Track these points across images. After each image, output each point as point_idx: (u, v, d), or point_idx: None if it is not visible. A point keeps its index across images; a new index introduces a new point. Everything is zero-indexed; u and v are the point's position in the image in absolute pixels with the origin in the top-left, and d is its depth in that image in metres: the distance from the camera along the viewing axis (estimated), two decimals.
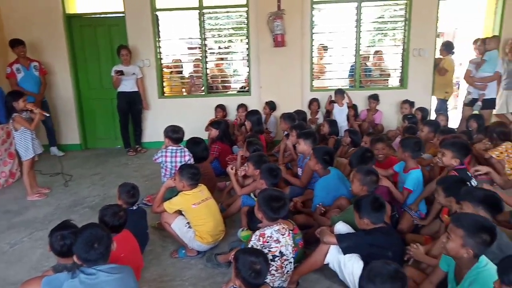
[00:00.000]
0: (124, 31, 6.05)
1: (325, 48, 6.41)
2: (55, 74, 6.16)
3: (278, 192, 2.39)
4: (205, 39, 6.17)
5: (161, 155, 3.62)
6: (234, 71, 7.04)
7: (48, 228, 3.44)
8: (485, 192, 2.27)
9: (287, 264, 2.23)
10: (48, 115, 4.28)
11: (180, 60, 6.66)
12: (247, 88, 6.37)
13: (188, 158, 3.64)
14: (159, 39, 6.20)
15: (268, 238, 2.20)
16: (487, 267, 1.82)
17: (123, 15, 6.02)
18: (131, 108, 6.02)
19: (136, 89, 5.99)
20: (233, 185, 3.43)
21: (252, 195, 3.35)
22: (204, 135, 5.37)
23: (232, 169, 3.48)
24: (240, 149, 4.95)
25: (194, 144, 3.89)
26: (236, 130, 5.70)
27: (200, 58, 6.29)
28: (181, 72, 6.74)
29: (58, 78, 6.18)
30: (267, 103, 5.81)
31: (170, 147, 3.63)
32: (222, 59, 6.80)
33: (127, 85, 5.87)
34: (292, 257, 2.27)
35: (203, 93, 6.45)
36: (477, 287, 1.79)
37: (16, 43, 5.51)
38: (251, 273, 1.83)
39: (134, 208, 2.90)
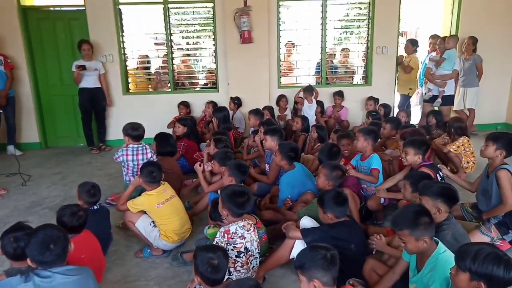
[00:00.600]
0: (85, 25, 5.82)
1: (293, 45, 6.46)
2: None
3: (241, 187, 2.39)
4: (171, 34, 6.05)
5: (121, 154, 3.51)
6: (203, 68, 6.95)
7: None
8: (442, 185, 2.38)
9: (252, 260, 2.22)
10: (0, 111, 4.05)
11: (147, 56, 6.50)
12: (211, 84, 6.34)
13: (150, 155, 3.56)
14: (123, 34, 6.01)
15: (233, 234, 2.19)
16: (446, 253, 1.92)
17: (84, 8, 5.78)
18: (94, 105, 5.83)
19: (98, 85, 5.80)
20: (200, 182, 3.38)
21: (219, 192, 3.32)
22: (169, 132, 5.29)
23: (200, 166, 3.44)
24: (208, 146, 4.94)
25: (162, 138, 3.83)
26: (204, 127, 5.63)
27: (167, 54, 6.16)
28: (147, 68, 6.58)
29: (15, 73, 5.86)
30: (232, 98, 5.79)
31: (131, 145, 3.53)
32: (188, 55, 6.69)
33: (89, 81, 5.68)
34: (258, 252, 2.27)
35: (169, 90, 6.33)
36: (437, 273, 1.87)
37: None
38: (207, 268, 1.82)
39: (96, 207, 2.79)
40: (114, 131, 6.18)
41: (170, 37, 6.05)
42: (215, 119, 4.91)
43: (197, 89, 6.54)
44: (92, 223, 2.59)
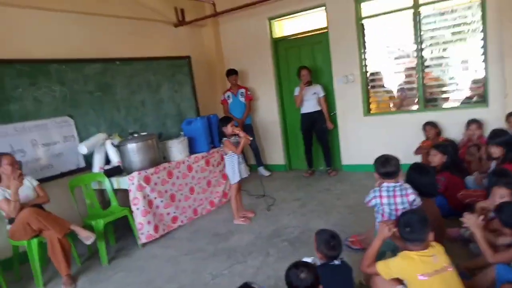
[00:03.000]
0: (327, 47, 5.68)
1: None
2: (262, 98, 6.38)
3: None
4: (421, 42, 5.09)
5: (373, 196, 2.72)
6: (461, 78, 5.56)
7: (247, 261, 3.27)
8: None
9: None
10: (251, 138, 4.26)
11: (384, 73, 5.74)
12: (478, 97, 4.89)
13: (412, 197, 2.65)
14: (365, 50, 5.51)
15: None
16: None
17: (326, 30, 5.67)
18: (314, 128, 5.72)
19: (318, 108, 5.65)
20: (480, 245, 2.31)
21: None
22: (413, 160, 4.35)
23: (475, 216, 2.40)
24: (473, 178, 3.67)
25: (420, 173, 2.89)
26: (467, 154, 4.34)
27: (414, 66, 5.22)
28: (382, 86, 5.80)
29: (264, 102, 6.37)
30: None
31: (385, 184, 2.71)
32: (439, 65, 5.45)
33: (309, 106, 5.66)
34: None
35: (417, 108, 5.33)
36: None
37: (229, 73, 6.01)
38: None
39: (337, 262, 2.24)
40: (353, 155, 5.75)
41: (420, 46, 5.09)
42: (498, 146, 3.48)
43: (452, 105, 5.22)
44: (332, 283, 2.05)
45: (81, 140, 4.34)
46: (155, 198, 4.04)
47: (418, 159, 4.67)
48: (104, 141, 4.35)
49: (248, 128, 6.06)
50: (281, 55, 6.23)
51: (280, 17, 6.09)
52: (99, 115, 4.65)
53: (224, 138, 4.13)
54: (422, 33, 5.05)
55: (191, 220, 4.47)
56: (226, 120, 4.16)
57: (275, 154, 6.50)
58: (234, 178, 4.18)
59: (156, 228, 3.99)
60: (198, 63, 6.09)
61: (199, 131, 4.79)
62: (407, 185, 2.65)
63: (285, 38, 6.21)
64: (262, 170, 6.29)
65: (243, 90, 6.07)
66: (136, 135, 4.24)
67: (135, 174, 3.90)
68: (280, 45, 6.22)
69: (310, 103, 5.64)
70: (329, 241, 2.19)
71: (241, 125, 5.93)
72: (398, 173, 2.68)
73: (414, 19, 5.04)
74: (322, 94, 5.65)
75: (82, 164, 4.40)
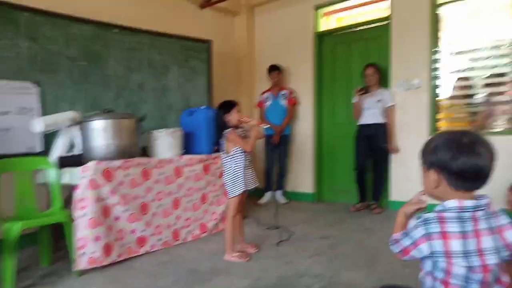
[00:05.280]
0: (386, 43, 4.35)
1: None
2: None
3: None
4: None
5: (423, 236, 1.09)
6: None
7: None
8: None
9: None
10: (267, 126, 2.97)
11: (462, 79, 4.23)
12: None
13: None
14: (438, 49, 4.11)
15: None
16: None
17: (387, 21, 4.37)
18: (372, 147, 4.28)
19: (381, 121, 4.23)
20: None
21: None
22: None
23: None
24: None
25: None
26: None
27: (508, 71, 3.74)
28: (469, 97, 4.28)
29: (299, 110, 5.08)
30: None
31: (453, 204, 1.07)
32: None
33: (369, 116, 4.24)
34: None
35: (509, 129, 3.79)
36: None
37: (271, 69, 4.88)
38: None
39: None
40: (408, 189, 4.19)
41: None
42: None
43: None
44: None
45: (45, 115, 3.25)
46: (116, 204, 2.78)
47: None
48: (73, 122, 3.22)
49: (285, 141, 4.82)
50: (325, 53, 4.97)
51: (329, 4, 4.89)
52: (79, 89, 3.58)
53: (228, 129, 2.85)
54: None
55: (167, 246, 3.13)
56: (230, 105, 2.88)
57: (302, 179, 5.07)
58: (236, 188, 2.83)
59: (107, 249, 2.69)
60: (222, 54, 4.97)
61: (201, 125, 3.56)
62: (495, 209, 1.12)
63: (332, 31, 4.95)
64: (279, 196, 4.90)
65: (285, 92, 4.88)
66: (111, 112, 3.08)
67: (91, 163, 2.70)
68: (325, 40, 4.97)
69: (372, 113, 4.25)
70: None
71: (278, 134, 4.73)
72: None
73: None
74: (390, 103, 4.26)
75: (38, 147, 3.27)
